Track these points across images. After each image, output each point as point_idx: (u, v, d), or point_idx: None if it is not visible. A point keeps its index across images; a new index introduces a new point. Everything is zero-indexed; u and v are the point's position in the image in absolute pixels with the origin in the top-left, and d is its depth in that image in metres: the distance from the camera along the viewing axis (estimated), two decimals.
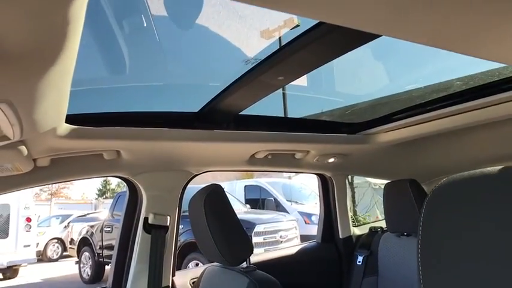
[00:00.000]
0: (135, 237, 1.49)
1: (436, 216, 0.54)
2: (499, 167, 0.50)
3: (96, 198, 22.69)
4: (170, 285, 1.53)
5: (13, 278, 8.25)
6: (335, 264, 1.96)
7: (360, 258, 1.88)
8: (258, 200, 8.46)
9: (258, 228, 5.73)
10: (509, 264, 0.47)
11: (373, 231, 1.98)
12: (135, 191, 1.53)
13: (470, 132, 1.45)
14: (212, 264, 1.34)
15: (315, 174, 2.01)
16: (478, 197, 0.51)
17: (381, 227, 1.96)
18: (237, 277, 1.12)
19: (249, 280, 1.07)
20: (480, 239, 0.49)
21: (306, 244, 2.08)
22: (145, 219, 1.47)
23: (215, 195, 1.17)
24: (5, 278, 8.16)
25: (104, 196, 23.63)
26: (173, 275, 1.58)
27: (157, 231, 1.48)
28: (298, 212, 7.22)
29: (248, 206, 7.91)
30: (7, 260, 7.77)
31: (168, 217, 1.50)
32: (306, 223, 6.91)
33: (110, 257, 7.23)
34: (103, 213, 9.52)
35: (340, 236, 1.99)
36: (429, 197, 0.55)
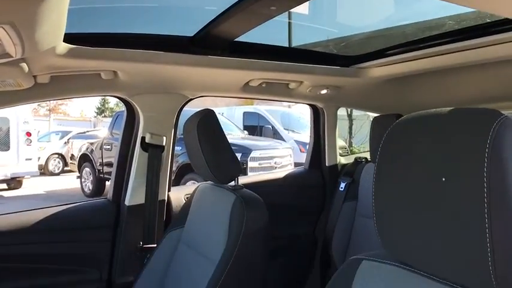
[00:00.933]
0: (133, 155, 1.59)
1: (389, 149, 0.61)
2: (451, 108, 0.55)
3: (95, 117, 22.89)
4: (166, 199, 1.67)
5: (17, 188, 8.65)
6: (319, 190, 2.10)
7: (343, 185, 2.02)
8: (256, 127, 8.60)
9: (254, 154, 5.93)
10: (433, 208, 0.54)
11: (358, 161, 2.09)
12: (132, 111, 1.60)
13: (461, 72, 1.48)
14: (204, 182, 1.45)
15: (308, 104, 2.06)
16: (424, 136, 0.57)
17: (366, 158, 2.08)
18: (225, 194, 1.24)
19: (236, 196, 1.18)
20: (415, 179, 0.57)
21: (293, 169, 2.21)
22: (143, 138, 1.56)
23: (207, 118, 1.23)
24: (9, 189, 8.57)
25: (103, 115, 23.82)
26: (169, 190, 1.71)
27: (153, 150, 1.57)
28: (295, 140, 7.39)
29: (246, 132, 8.07)
30: (10, 171, 8.09)
31: (164, 137, 1.59)
32: (301, 151, 7.10)
33: (109, 173, 7.54)
34: (102, 131, 9.71)
35: (327, 164, 2.11)
36: (387, 132, 0.62)
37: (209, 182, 1.40)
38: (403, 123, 0.60)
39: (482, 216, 0.48)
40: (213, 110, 1.27)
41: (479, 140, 0.49)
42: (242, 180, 1.37)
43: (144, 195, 1.57)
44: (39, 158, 9.72)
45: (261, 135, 7.99)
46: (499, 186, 0.48)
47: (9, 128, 8.14)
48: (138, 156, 1.58)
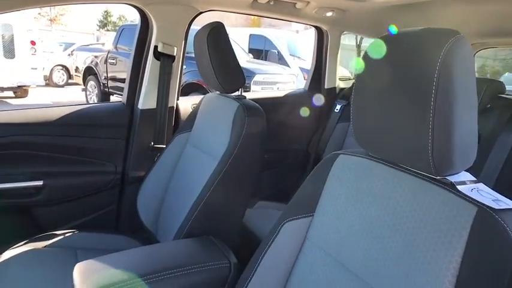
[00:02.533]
0: (146, 62, 1.72)
1: (366, 64, 0.74)
2: (422, 28, 0.67)
3: (98, 30, 22.30)
4: (175, 106, 1.83)
5: (24, 97, 8.79)
6: (316, 110, 2.26)
7: (338, 107, 2.17)
8: (261, 51, 8.49)
9: (257, 78, 5.98)
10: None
11: None
12: (146, 20, 1.69)
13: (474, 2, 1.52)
14: (211, 93, 1.59)
15: (313, 26, 2.13)
16: (396, 51, 0.69)
17: None
18: (229, 101, 1.38)
19: (239, 104, 1.33)
20: (384, 88, 0.69)
21: (294, 90, 2.34)
22: (155, 47, 1.67)
23: (217, 30, 1.33)
24: (16, 97, 8.71)
25: (106, 28, 23.16)
26: (177, 99, 1.86)
27: (165, 59, 1.69)
28: (299, 67, 7.37)
29: (251, 55, 7.99)
30: (17, 80, 8.17)
31: (175, 48, 1.70)
32: (304, 79, 7.12)
33: (114, 88, 7.64)
34: (106, 45, 9.58)
35: (325, 86, 2.24)
36: (366, 49, 0.74)
37: (215, 92, 1.54)
38: (379, 41, 0.72)
39: (428, 112, 0.63)
40: (222, 23, 1.37)
41: (436, 52, 0.62)
42: (244, 95, 1.51)
43: (156, 101, 1.72)
44: (43, 68, 9.71)
45: (265, 60, 7.93)
46: (445, 88, 0.62)
47: (13, 35, 8.04)
48: (151, 64, 1.70)
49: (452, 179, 0.68)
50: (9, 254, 1.32)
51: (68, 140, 1.64)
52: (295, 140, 2.25)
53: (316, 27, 2.14)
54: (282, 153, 2.20)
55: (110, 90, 7.74)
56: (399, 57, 0.68)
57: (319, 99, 2.16)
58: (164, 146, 1.69)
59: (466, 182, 0.69)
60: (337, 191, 0.86)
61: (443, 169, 0.66)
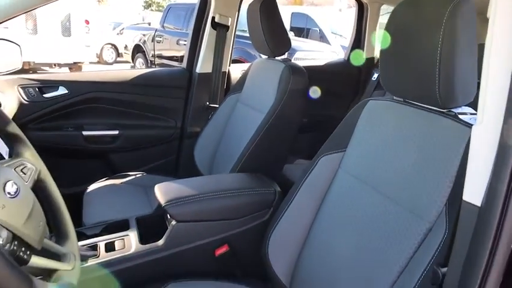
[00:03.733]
0: (204, 31, 1.97)
1: (390, 26, 0.92)
2: None
3: (144, 10, 22.98)
4: (227, 71, 2.08)
5: None
6: (355, 78, 2.43)
7: (376, 75, 2.32)
8: (303, 29, 8.55)
9: (298, 55, 6.11)
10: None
11: None
12: None
13: None
14: (259, 58, 1.82)
15: None
16: (416, 13, 0.87)
17: None
18: (276, 63, 1.60)
19: (285, 66, 1.54)
20: (406, 41, 0.88)
21: (334, 59, 2.51)
22: (213, 18, 1.92)
23: (269, 3, 1.55)
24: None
25: (150, 8, 23.80)
26: (229, 65, 2.11)
27: (221, 29, 1.94)
28: (341, 45, 7.39)
29: (292, 33, 8.08)
30: (72, 56, 8.76)
31: (230, 18, 1.94)
32: None
33: (160, 65, 8.04)
34: (152, 24, 9.99)
35: (364, 56, 2.40)
36: (393, 11, 0.92)
37: (263, 57, 1.76)
38: (399, 6, 0.91)
39: (436, 55, 0.82)
40: None
41: (443, 9, 0.81)
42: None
43: (211, 66, 1.98)
44: (96, 46, 10.26)
45: (307, 37, 7.99)
46: (450, 39, 0.80)
47: (69, 14, 8.59)
48: (208, 34, 1.95)
49: (456, 111, 0.87)
50: (93, 186, 1.65)
51: (138, 97, 1.94)
52: (334, 106, 2.44)
53: (357, 0, 2.29)
54: (322, 117, 2.40)
55: (156, 67, 8.10)
56: (415, 16, 0.87)
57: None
58: (217, 106, 1.95)
59: (466, 113, 0.88)
60: (365, 129, 1.06)
61: (448, 102, 0.85)
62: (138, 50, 9.04)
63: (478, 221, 0.58)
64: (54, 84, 1.79)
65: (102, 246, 1.13)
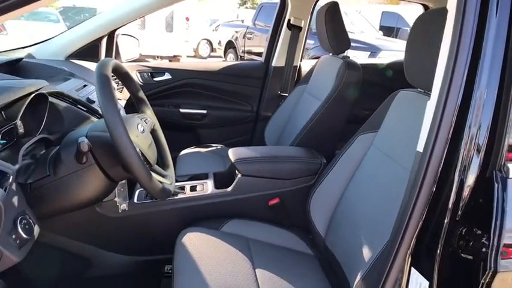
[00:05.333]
0: (281, 32, 2.34)
1: (414, 28, 1.16)
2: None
3: (239, 7, 24.17)
4: (298, 65, 2.42)
5: None
6: None
7: None
8: (392, 29, 8.45)
9: (382, 54, 6.14)
10: None
11: None
12: (284, 0, 2.30)
13: None
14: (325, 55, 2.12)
15: (419, 3, 2.45)
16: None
17: None
18: (336, 60, 1.89)
19: (343, 62, 1.82)
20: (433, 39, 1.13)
21: (398, 58, 2.69)
22: (289, 20, 2.27)
23: (333, 7, 1.84)
24: None
25: (245, 6, 24.91)
26: (301, 60, 2.45)
27: (294, 30, 2.29)
28: None
29: (381, 32, 8.04)
30: (173, 50, 9.68)
31: (303, 21, 2.27)
32: None
33: (249, 60, 8.58)
34: (245, 21, 10.61)
35: None
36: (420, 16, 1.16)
37: (329, 54, 2.06)
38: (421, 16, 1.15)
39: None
40: (337, 3, 1.86)
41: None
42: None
43: (285, 60, 2.34)
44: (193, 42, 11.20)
45: (396, 37, 7.89)
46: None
47: (173, 11, 9.57)
48: (284, 33, 2.31)
49: None
50: (184, 151, 2.10)
51: (223, 85, 2.39)
52: None
53: (423, 5, 2.45)
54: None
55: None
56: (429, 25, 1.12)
57: None
58: (287, 95, 2.29)
59: None
60: (394, 114, 1.32)
61: None
62: (230, 45, 9.70)
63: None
64: (162, 71, 2.31)
65: (188, 188, 1.56)
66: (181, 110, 2.34)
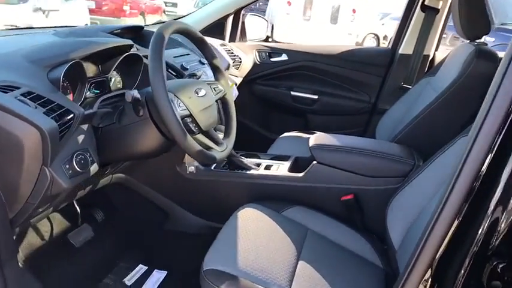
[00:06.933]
0: (414, 14, 2.04)
1: None
2: None
3: None
4: (431, 55, 2.08)
5: None
6: None
7: None
8: None
9: None
10: None
11: None
12: None
13: None
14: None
15: None
16: None
17: None
18: (467, 47, 1.52)
19: (474, 48, 1.47)
20: None
21: None
22: (423, 0, 1.96)
23: None
24: None
25: None
26: (436, 49, 2.10)
27: (429, 12, 1.96)
28: None
29: None
30: (334, 43, 9.68)
31: (441, 1, 1.93)
32: None
33: None
34: None
35: None
36: None
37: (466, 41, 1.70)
38: None
39: None
40: None
41: None
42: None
43: (413, 48, 2.04)
44: (357, 35, 10.88)
45: None
46: None
47: (339, 4, 9.49)
48: (416, 16, 2.01)
49: None
50: (285, 134, 2.00)
51: (340, 70, 2.23)
52: None
53: None
54: None
55: None
56: None
57: None
58: (410, 87, 2.00)
59: None
60: None
61: None
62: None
63: None
64: (279, 52, 2.31)
65: (263, 165, 1.53)
66: (293, 93, 2.30)
